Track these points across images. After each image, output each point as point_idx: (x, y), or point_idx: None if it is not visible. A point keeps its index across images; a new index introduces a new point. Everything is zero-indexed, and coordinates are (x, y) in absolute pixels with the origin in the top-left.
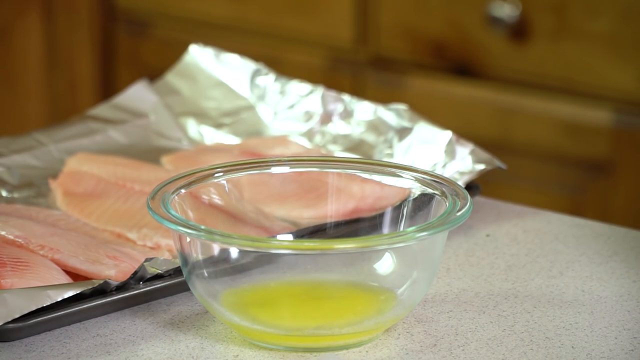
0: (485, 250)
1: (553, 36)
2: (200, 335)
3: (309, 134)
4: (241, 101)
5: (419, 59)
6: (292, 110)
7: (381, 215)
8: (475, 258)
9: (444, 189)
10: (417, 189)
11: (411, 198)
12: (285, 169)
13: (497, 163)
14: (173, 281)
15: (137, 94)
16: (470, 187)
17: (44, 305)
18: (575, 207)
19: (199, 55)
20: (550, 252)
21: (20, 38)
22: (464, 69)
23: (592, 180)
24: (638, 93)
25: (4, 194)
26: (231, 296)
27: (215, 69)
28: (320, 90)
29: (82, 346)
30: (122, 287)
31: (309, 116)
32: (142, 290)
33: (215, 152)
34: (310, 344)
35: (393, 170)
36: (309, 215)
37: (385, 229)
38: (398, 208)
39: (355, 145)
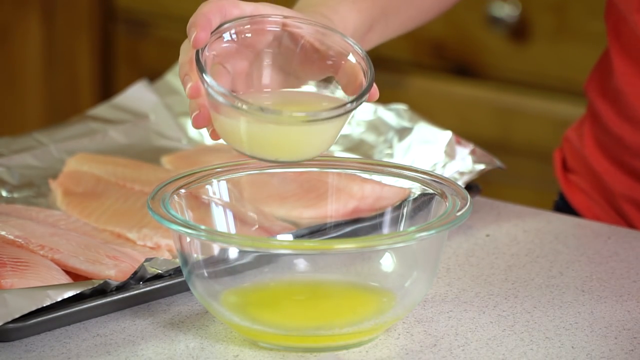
0: (485, 250)
1: (553, 36)
2: (200, 335)
3: None
4: None
5: (419, 58)
6: None
7: (381, 215)
8: (475, 258)
9: (444, 189)
10: (417, 189)
11: (411, 198)
12: (285, 169)
13: (497, 163)
14: (173, 281)
15: (137, 94)
16: (470, 187)
17: (44, 305)
18: None
19: None
20: (550, 252)
21: (20, 38)
22: (464, 69)
23: None
24: None
25: (4, 194)
26: (231, 296)
27: None
28: None
29: (82, 346)
30: (122, 287)
31: None
32: (142, 290)
33: (215, 152)
34: (310, 344)
35: (393, 170)
36: (309, 215)
37: (385, 229)
38: (398, 208)
39: (355, 145)
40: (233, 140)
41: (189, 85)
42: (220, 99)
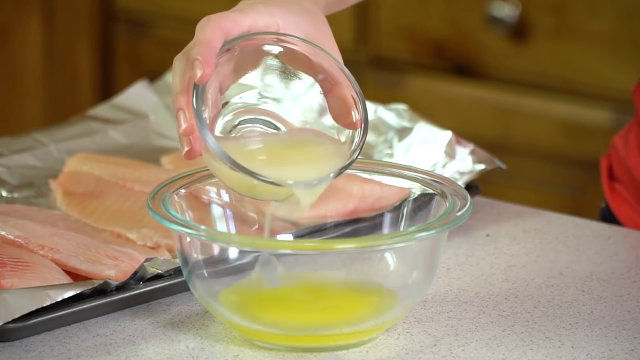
0: (485, 250)
1: (553, 36)
2: (200, 335)
3: None
4: None
5: (419, 58)
6: None
7: (381, 215)
8: (475, 258)
9: (444, 189)
10: (417, 189)
11: (411, 198)
12: None
13: (497, 163)
14: (173, 281)
15: (137, 94)
16: (470, 187)
17: (44, 305)
18: (575, 207)
19: None
20: (550, 252)
21: (20, 38)
22: (464, 69)
23: (591, 180)
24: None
25: (4, 194)
26: (231, 296)
27: None
28: None
29: (82, 346)
30: (122, 287)
31: None
32: (142, 290)
33: None
34: (310, 344)
35: (393, 170)
36: (309, 215)
37: (385, 229)
38: (398, 208)
39: None
40: (225, 180)
41: (183, 126)
42: (218, 157)
